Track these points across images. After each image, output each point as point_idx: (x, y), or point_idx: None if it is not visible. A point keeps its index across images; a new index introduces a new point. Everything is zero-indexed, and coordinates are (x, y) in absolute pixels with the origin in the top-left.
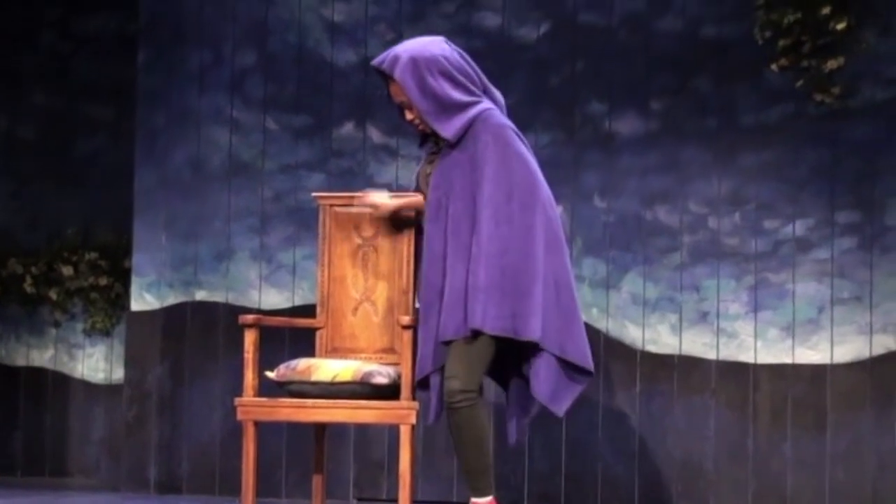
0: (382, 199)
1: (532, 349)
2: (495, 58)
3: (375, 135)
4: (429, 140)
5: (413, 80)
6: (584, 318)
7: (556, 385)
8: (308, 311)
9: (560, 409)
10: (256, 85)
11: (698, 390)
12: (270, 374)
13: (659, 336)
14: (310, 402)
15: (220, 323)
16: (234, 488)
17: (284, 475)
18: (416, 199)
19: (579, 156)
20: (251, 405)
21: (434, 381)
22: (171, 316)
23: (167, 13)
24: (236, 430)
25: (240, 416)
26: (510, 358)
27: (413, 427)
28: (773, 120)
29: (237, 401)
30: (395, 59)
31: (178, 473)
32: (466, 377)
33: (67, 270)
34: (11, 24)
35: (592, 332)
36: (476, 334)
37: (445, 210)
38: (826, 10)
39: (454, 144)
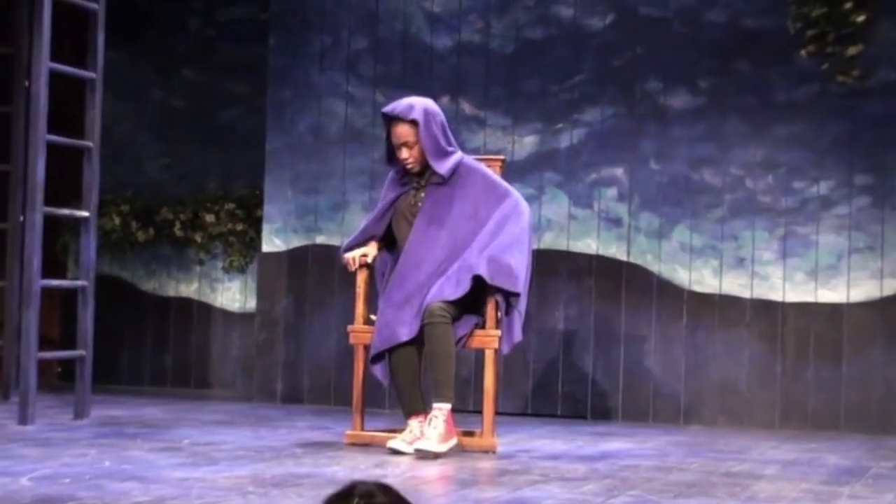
0: (366, 251)
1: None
2: (568, 43)
3: (467, 108)
4: (409, 176)
5: (425, 124)
6: (639, 262)
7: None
8: None
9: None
10: (368, 65)
11: (735, 324)
12: (374, 318)
13: (703, 278)
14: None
15: (336, 263)
16: (347, 400)
17: (388, 390)
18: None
19: (638, 127)
20: (361, 332)
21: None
22: (295, 257)
23: (294, 4)
24: (348, 352)
25: (352, 341)
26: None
27: (496, 351)
28: (801, 97)
29: (349, 328)
30: (411, 107)
31: (301, 387)
32: (450, 304)
33: (210, 218)
34: (165, 12)
35: (647, 274)
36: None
37: (438, 226)
38: (848, 5)
39: (442, 182)
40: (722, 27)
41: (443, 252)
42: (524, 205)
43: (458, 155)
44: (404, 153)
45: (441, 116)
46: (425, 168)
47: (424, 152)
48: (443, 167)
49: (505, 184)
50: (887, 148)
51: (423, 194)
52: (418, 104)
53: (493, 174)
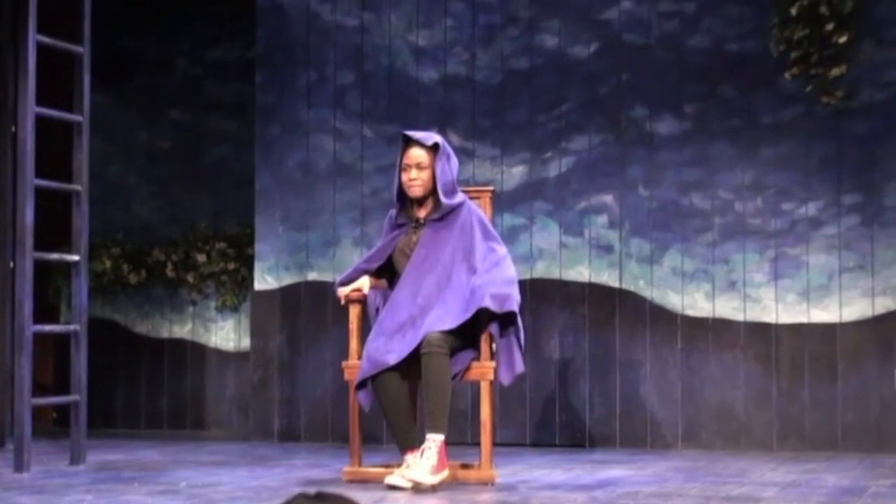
0: (358, 285)
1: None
2: (554, 72)
3: (455, 139)
4: (406, 215)
5: (440, 155)
6: (632, 288)
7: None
8: None
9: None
10: (355, 99)
11: (729, 347)
12: None
13: (695, 302)
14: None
15: (329, 299)
16: (344, 435)
17: (385, 424)
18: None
19: (625, 153)
20: (355, 367)
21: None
22: (288, 294)
23: (280, 41)
24: (344, 388)
25: (346, 377)
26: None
27: (492, 382)
28: (787, 119)
29: (344, 364)
30: (431, 136)
31: (297, 424)
32: (449, 336)
33: (201, 258)
34: (152, 53)
35: (639, 300)
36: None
37: (434, 261)
38: (830, 27)
39: (439, 219)
40: (706, 52)
41: (437, 285)
42: (510, 260)
43: (462, 196)
44: (413, 173)
45: (455, 160)
46: (426, 197)
47: (435, 180)
48: (447, 199)
49: (498, 238)
50: (874, 167)
51: (421, 231)
52: (438, 137)
53: (490, 225)
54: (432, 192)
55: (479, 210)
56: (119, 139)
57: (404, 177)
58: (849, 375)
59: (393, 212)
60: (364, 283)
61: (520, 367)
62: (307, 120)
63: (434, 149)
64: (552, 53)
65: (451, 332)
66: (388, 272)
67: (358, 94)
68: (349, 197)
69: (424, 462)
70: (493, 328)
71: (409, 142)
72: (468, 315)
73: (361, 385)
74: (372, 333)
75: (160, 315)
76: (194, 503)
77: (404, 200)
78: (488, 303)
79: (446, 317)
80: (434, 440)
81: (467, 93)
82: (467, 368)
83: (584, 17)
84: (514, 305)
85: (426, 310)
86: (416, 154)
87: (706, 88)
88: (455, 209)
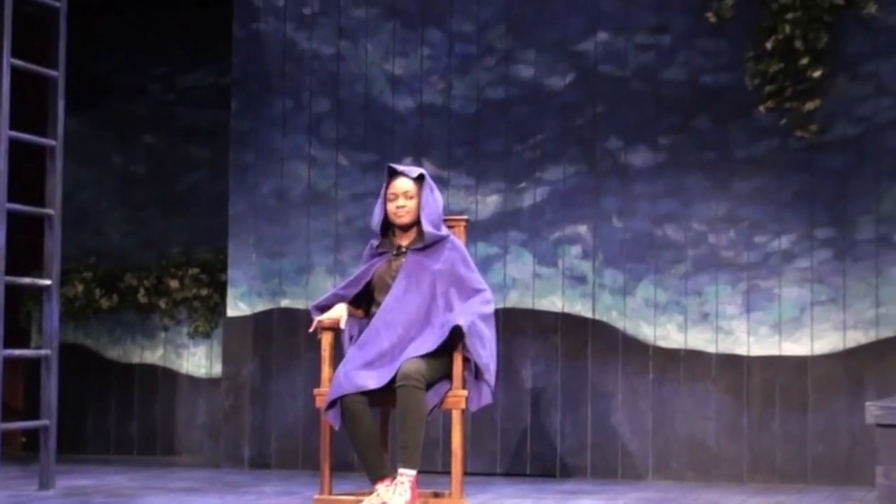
0: (336, 314)
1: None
2: (529, 102)
3: (430, 168)
4: (387, 245)
5: (425, 186)
6: (604, 319)
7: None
8: None
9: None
10: (330, 127)
11: (701, 378)
12: None
13: (668, 333)
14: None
15: (302, 326)
16: (315, 463)
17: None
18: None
19: (600, 184)
20: (327, 395)
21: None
22: (260, 321)
23: (255, 68)
24: (316, 416)
25: (318, 404)
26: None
27: (463, 411)
28: (761, 152)
29: (316, 391)
30: (415, 169)
31: (268, 452)
32: (425, 369)
33: (174, 283)
34: (125, 79)
35: (612, 330)
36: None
37: (415, 292)
38: (804, 61)
39: (422, 249)
40: (681, 84)
41: (417, 315)
42: (491, 297)
43: (446, 230)
44: (401, 201)
45: (439, 195)
46: (410, 226)
47: (420, 210)
48: (431, 229)
49: (480, 276)
50: (847, 201)
51: (402, 260)
52: (423, 170)
53: (473, 263)
54: (416, 221)
55: (462, 247)
56: (92, 164)
57: (391, 206)
58: (819, 408)
59: (374, 241)
60: (342, 312)
61: (488, 398)
62: (282, 147)
63: (419, 180)
64: (528, 84)
65: (428, 364)
66: (365, 300)
67: (333, 122)
68: (323, 224)
69: (398, 498)
70: (467, 352)
71: (394, 174)
72: (445, 334)
73: (332, 404)
74: (349, 356)
75: (132, 340)
76: None
77: (385, 231)
78: (460, 322)
79: (423, 343)
80: (407, 475)
81: (443, 122)
82: (442, 402)
83: (561, 48)
84: (479, 345)
85: (406, 340)
86: (403, 184)
87: (681, 121)
88: (439, 241)
